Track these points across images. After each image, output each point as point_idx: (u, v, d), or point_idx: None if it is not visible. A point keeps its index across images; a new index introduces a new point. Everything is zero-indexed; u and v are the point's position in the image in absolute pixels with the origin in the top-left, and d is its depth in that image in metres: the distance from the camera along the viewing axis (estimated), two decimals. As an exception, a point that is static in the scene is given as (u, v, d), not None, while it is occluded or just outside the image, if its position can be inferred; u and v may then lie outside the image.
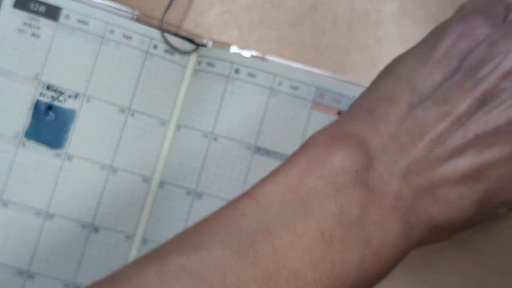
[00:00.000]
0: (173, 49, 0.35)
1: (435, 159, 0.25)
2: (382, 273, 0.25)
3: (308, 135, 0.35)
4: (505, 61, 0.26)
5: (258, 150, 0.35)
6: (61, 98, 0.34)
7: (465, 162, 0.25)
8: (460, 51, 0.27)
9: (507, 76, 0.26)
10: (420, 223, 0.25)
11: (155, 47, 0.35)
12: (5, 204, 0.34)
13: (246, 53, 0.36)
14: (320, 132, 0.26)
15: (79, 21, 0.34)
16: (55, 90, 0.34)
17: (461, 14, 0.29)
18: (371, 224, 0.24)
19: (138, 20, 0.35)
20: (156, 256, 0.23)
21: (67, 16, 0.34)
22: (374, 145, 0.25)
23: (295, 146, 0.35)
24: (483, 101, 0.26)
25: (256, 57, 0.36)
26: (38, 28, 0.34)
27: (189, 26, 0.37)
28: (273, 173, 0.25)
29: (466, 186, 0.26)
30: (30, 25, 0.34)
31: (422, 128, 0.26)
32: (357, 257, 0.23)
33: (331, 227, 0.23)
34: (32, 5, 0.34)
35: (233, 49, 0.36)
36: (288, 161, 0.26)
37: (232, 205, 0.25)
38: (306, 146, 0.26)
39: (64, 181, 0.34)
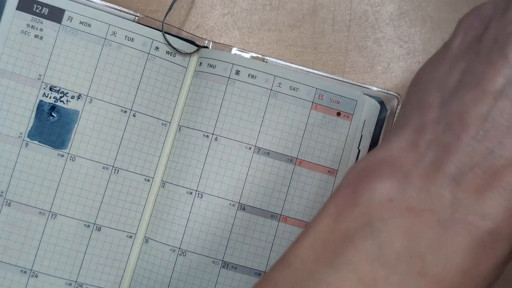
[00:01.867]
0: (175, 51, 0.36)
1: (488, 145, 0.22)
2: None
3: (308, 135, 0.36)
4: None
5: (258, 150, 0.35)
6: (64, 99, 0.35)
7: None
8: (474, 35, 0.25)
9: None
10: (499, 223, 0.21)
11: (156, 48, 0.36)
12: (8, 203, 0.34)
13: (247, 55, 0.36)
14: (351, 169, 0.24)
15: (82, 23, 0.35)
16: (58, 91, 0.35)
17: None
18: (424, 250, 0.21)
19: (140, 22, 0.36)
20: None
21: (70, 18, 0.35)
22: (409, 163, 0.22)
23: (295, 146, 0.36)
24: None
25: (256, 58, 0.36)
26: (41, 29, 0.34)
27: (190, 28, 0.38)
28: (306, 230, 0.23)
29: None
30: (33, 27, 0.34)
31: (462, 118, 0.22)
32: None
33: (371, 270, 0.21)
34: (35, 7, 0.34)
35: (234, 50, 0.36)
36: (319, 212, 0.23)
37: (267, 276, 0.23)
38: (335, 191, 0.23)
39: (67, 181, 0.34)
